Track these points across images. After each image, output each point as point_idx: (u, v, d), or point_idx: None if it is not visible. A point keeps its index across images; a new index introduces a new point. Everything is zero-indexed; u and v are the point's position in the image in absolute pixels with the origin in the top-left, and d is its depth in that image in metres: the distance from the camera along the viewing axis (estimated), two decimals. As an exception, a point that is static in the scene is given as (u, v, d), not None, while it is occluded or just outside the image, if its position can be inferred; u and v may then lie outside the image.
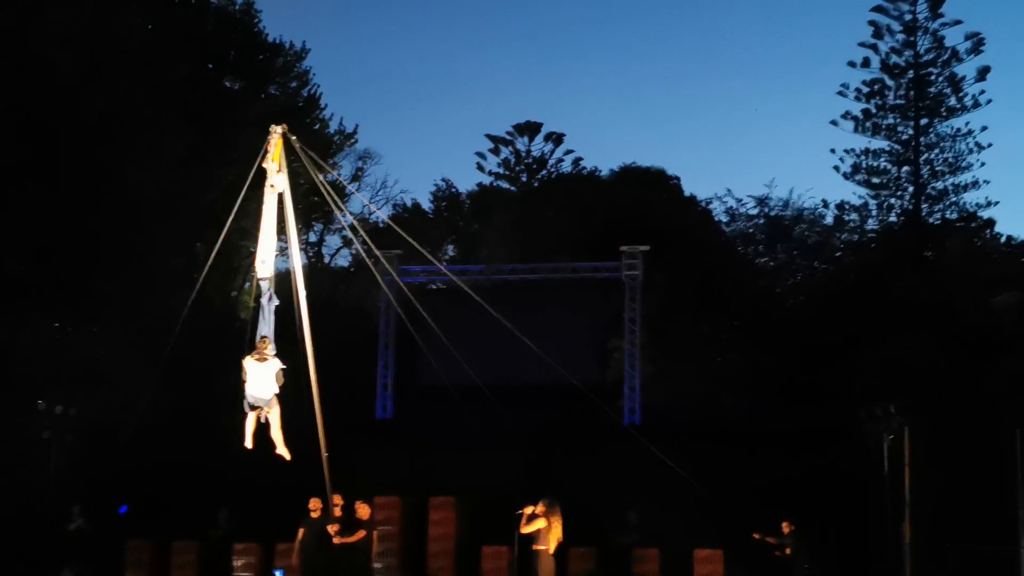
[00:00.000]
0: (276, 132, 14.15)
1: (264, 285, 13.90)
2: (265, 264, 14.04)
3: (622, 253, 27.61)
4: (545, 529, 16.99)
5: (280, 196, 14.04)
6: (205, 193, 31.32)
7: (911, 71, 37.95)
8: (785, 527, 20.06)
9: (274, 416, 13.48)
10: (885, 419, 21.14)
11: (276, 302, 13.91)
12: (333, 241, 41.52)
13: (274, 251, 14.30)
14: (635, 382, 26.90)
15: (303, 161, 14.38)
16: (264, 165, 13.99)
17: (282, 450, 13.75)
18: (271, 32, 35.99)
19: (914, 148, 37.89)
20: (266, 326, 13.74)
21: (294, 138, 14.14)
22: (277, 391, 13.39)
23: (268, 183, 13.94)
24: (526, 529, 17.15)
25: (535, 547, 17.20)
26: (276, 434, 13.57)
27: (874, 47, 38.21)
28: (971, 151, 37.57)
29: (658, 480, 19.34)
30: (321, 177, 15.49)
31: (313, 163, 14.55)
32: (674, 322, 29.64)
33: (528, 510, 17.09)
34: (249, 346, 13.61)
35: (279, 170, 13.99)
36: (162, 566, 21.83)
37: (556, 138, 44.98)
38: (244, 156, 23.40)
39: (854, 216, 38.62)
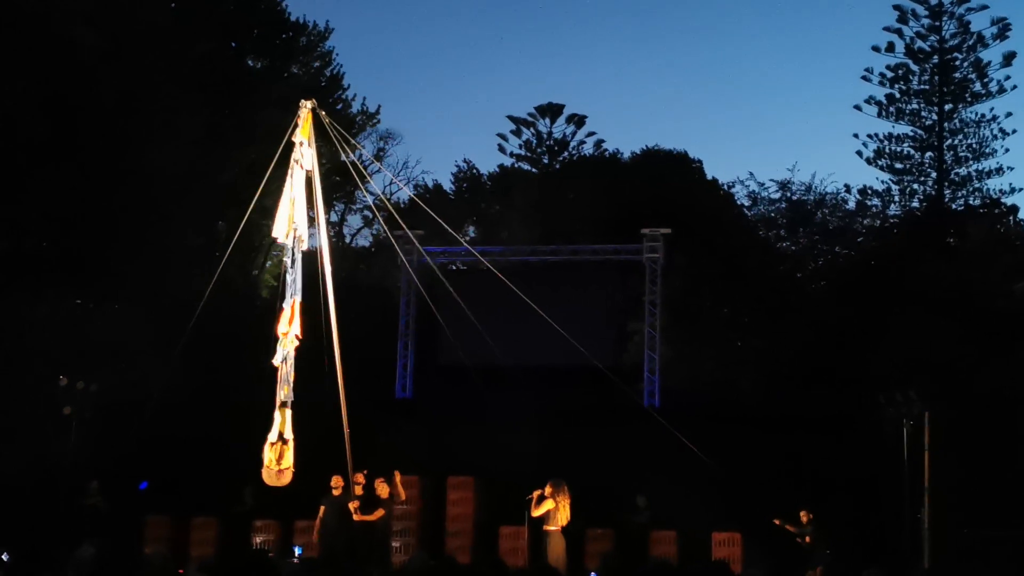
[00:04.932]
0: (306, 107, 14.22)
1: (290, 247, 14.14)
2: (297, 231, 14.25)
3: (643, 235, 27.54)
4: (554, 510, 17.19)
5: (308, 173, 14.14)
6: (225, 172, 31.36)
7: (936, 56, 37.77)
8: (803, 516, 20.03)
9: None
10: (905, 405, 21.09)
11: (304, 247, 14.25)
12: (354, 221, 41.58)
13: (305, 222, 14.49)
14: (654, 365, 26.85)
15: (329, 138, 14.47)
16: (292, 139, 14.09)
17: None
18: (294, 11, 36.04)
19: (938, 134, 37.75)
20: (292, 286, 14.01)
21: (323, 113, 14.18)
22: None
23: (294, 157, 14.03)
24: (536, 512, 17.31)
25: (545, 528, 17.32)
26: None
27: (899, 32, 38.07)
28: (995, 137, 37.47)
29: (676, 463, 19.35)
30: (348, 154, 15.59)
31: (341, 139, 14.63)
32: (694, 305, 29.57)
33: (536, 493, 17.26)
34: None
35: (308, 144, 14.08)
36: (181, 542, 21.93)
37: (578, 120, 44.86)
38: (265, 135, 23.46)
39: (876, 201, 38.52)
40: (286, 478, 14.93)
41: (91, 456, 22.00)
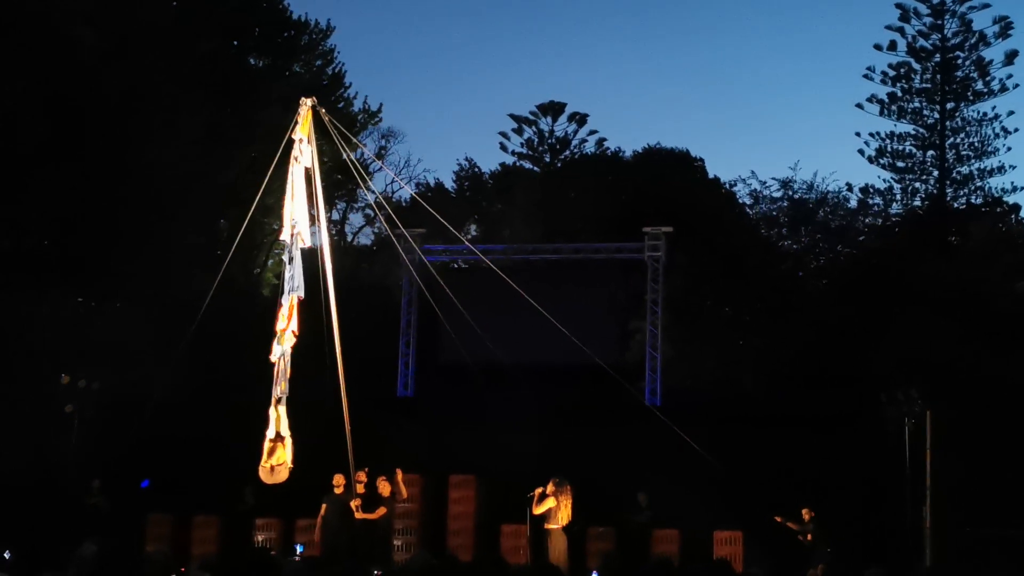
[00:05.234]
0: (306, 104, 14.24)
1: (289, 244, 14.20)
2: (296, 228, 14.30)
3: (645, 234, 27.54)
4: (555, 508, 17.23)
5: (307, 171, 14.16)
6: (226, 171, 31.35)
7: (938, 55, 37.74)
8: (805, 513, 20.01)
9: None
10: (907, 403, 21.07)
11: (305, 244, 14.33)
12: (355, 219, 41.59)
13: (305, 219, 14.51)
14: (656, 363, 26.85)
15: (331, 136, 14.49)
16: (292, 136, 14.12)
17: None
18: (296, 10, 36.04)
19: (940, 132, 37.71)
20: (290, 283, 14.09)
21: (323, 111, 14.21)
22: None
23: (293, 154, 14.06)
24: (538, 510, 17.34)
25: (546, 526, 17.34)
26: None
27: (901, 30, 38.01)
28: (997, 136, 37.39)
29: (678, 461, 19.34)
30: (348, 152, 15.60)
31: (342, 137, 14.65)
32: (696, 304, 29.56)
33: (538, 491, 17.28)
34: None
35: (308, 142, 14.11)
36: (183, 540, 21.93)
37: (580, 119, 44.80)
38: (266, 134, 23.43)
39: (878, 200, 38.46)
40: (279, 475, 14.88)
41: (93, 455, 22.00)
